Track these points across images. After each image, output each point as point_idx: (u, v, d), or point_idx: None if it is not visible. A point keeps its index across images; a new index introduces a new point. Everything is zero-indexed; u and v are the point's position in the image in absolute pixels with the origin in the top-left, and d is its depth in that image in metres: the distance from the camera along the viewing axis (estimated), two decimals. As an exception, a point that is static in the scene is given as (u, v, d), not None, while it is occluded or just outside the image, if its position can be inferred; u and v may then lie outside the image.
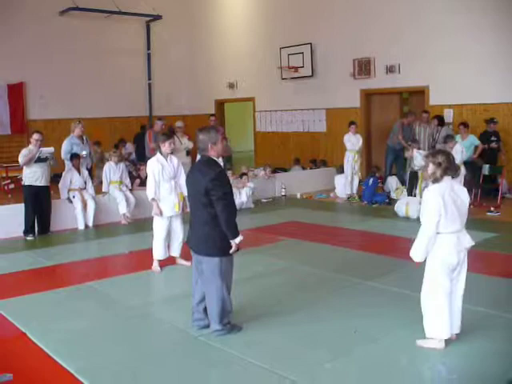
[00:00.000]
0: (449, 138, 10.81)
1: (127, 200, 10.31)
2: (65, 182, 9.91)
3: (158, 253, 7.13)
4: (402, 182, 12.43)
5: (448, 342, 4.64)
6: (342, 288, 6.27)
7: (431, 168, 4.61)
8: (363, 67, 14.47)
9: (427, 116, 12.54)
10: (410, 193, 11.59)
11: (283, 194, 13.21)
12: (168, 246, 7.28)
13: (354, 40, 14.47)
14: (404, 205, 10.22)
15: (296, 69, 15.83)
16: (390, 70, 13.90)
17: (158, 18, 17.94)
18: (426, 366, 4.45)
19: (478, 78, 12.18)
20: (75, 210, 9.86)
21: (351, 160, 12.57)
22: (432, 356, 4.54)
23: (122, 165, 10.65)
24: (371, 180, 12.13)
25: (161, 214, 6.99)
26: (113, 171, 10.41)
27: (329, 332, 5.06)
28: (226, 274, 4.90)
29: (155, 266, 7.14)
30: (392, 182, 12.36)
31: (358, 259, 7.56)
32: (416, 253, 4.63)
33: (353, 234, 9.27)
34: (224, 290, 4.90)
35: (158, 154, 7.08)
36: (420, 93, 13.54)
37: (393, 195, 12.09)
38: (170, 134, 7.32)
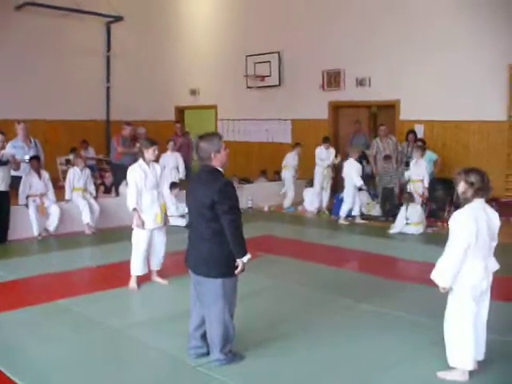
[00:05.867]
0: (417, 148, 10.76)
1: (91, 208, 9.65)
2: (25, 187, 9.17)
3: (137, 268, 6.53)
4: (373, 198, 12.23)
5: (471, 372, 4.29)
6: (337, 310, 5.89)
7: (462, 187, 4.26)
8: (332, 79, 14.22)
9: (385, 129, 12.33)
10: (384, 209, 11.39)
11: (250, 205, 12.77)
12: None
13: (324, 51, 14.18)
14: None
15: (262, 78, 15.46)
16: (361, 83, 13.68)
17: (119, 19, 17.28)
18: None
19: (450, 94, 12.06)
20: (30, 216, 9.12)
21: (321, 174, 12.27)
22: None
23: (87, 170, 9.96)
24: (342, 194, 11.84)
25: (143, 225, 6.42)
26: (77, 177, 9.72)
27: (337, 359, 4.66)
28: (229, 297, 4.40)
29: (132, 282, 6.55)
30: (363, 198, 12.06)
31: (345, 278, 7.24)
32: (443, 277, 4.26)
33: (332, 250, 8.91)
34: (227, 314, 4.40)
35: (141, 161, 6.53)
36: (390, 107, 13.37)
37: (364, 210, 11.82)
38: (152, 140, 6.77)
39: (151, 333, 5.21)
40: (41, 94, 15.85)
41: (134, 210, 6.40)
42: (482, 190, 4.24)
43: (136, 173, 6.45)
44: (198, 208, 4.36)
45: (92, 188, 10.04)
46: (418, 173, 10.65)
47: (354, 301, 6.15)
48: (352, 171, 11.06)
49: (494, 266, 4.40)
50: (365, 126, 14.13)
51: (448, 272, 4.24)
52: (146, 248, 6.54)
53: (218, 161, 4.42)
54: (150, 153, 6.48)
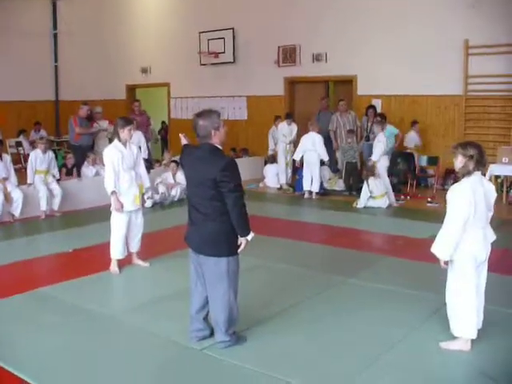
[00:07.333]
0: (378, 123, 10.71)
1: (53, 192, 9.32)
2: (-14, 171, 8.77)
3: (118, 252, 6.34)
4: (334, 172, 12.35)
5: (472, 341, 4.38)
6: (327, 286, 5.87)
7: (461, 161, 4.30)
8: (288, 55, 14.14)
9: (344, 104, 12.45)
10: (348, 184, 11.49)
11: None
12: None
13: (279, 27, 14.04)
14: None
15: (216, 54, 15.22)
16: (317, 58, 13.66)
17: (65, -5, 16.68)
18: (465, 370, 4.19)
19: (407, 69, 12.17)
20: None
21: (284, 150, 12.25)
22: (462, 358, 4.27)
23: (50, 153, 9.60)
24: (305, 170, 11.86)
25: (122, 208, 6.23)
26: (39, 160, 9.33)
27: (338, 336, 4.64)
28: (233, 276, 4.33)
29: (113, 266, 6.36)
30: (325, 172, 12.13)
31: (328, 254, 7.25)
32: (443, 251, 4.32)
33: (310, 226, 9.05)
34: (231, 295, 4.33)
35: (116, 141, 6.29)
36: (347, 82, 13.42)
37: (326, 185, 11.90)
38: (127, 119, 6.55)
39: (145, 318, 5.05)
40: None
41: (113, 192, 6.19)
42: (481, 162, 4.30)
43: (113, 154, 6.21)
44: (200, 187, 4.23)
45: (56, 171, 9.70)
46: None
47: (341, 276, 6.16)
48: (319, 145, 11.00)
49: (492, 236, 4.48)
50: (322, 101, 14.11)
51: (448, 245, 4.29)
52: (125, 231, 6.36)
53: (217, 138, 4.30)
54: (125, 133, 6.25)
